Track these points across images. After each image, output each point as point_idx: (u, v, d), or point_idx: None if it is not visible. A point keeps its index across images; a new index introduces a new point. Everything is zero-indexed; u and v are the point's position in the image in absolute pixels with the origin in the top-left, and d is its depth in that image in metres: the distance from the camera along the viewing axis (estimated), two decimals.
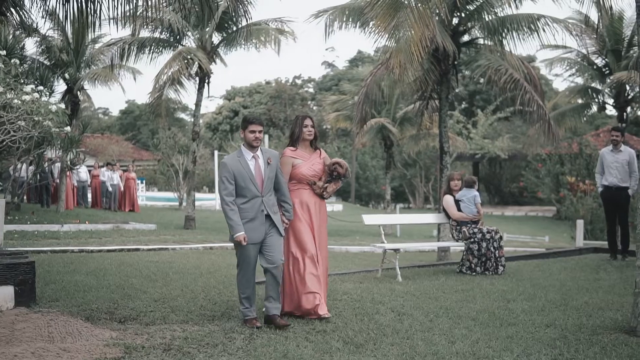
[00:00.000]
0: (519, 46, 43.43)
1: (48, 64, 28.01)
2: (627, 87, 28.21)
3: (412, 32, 16.07)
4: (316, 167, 9.68)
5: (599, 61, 29.77)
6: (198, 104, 27.59)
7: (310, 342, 7.98)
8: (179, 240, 20.90)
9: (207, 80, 26.99)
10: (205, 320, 8.94)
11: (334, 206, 49.70)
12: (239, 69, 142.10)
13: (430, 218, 15.72)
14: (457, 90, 45.60)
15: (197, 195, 36.57)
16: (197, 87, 27.10)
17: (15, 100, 12.39)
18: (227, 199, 8.79)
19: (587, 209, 30.30)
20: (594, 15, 29.10)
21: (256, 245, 8.87)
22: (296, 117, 9.86)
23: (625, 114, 29.08)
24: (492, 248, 13.99)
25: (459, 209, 14.50)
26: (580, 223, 23.41)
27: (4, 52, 14.08)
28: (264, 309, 9.05)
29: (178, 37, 26.75)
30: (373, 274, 13.80)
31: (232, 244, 9.05)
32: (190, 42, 27.30)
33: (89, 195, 37.28)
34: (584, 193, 35.45)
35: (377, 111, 35.50)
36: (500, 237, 14.26)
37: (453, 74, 19.78)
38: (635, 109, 31.30)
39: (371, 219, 14.41)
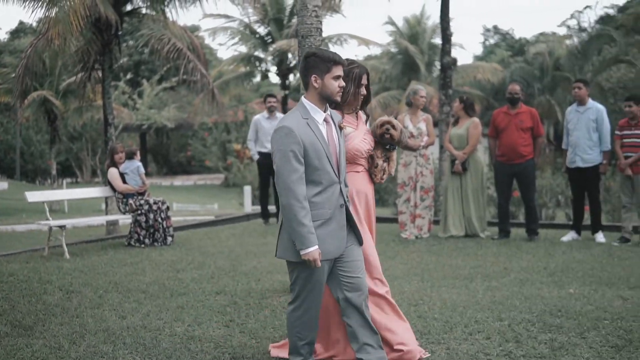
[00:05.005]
0: (182, 15, 43.43)
1: None
2: (289, 55, 29.31)
3: (72, 1, 15.74)
4: (369, 138, 6.45)
5: (261, 30, 30.72)
6: None
7: None
8: None
9: None
10: None
11: None
12: None
13: (96, 192, 15.46)
14: (121, 61, 45.05)
15: None
16: None
17: None
18: (298, 191, 5.35)
19: (254, 175, 31.00)
20: None
21: (331, 262, 5.65)
22: (349, 67, 6.14)
23: (287, 81, 30.23)
24: (159, 219, 13.99)
25: (125, 182, 14.40)
26: (247, 189, 24.11)
27: None
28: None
29: None
30: (40, 252, 13.33)
31: (291, 262, 5.65)
32: None
33: None
34: (251, 160, 36.29)
35: (39, 84, 34.43)
36: (168, 208, 14.30)
37: (116, 44, 19.46)
38: (296, 76, 32.53)
39: (35, 195, 13.84)
